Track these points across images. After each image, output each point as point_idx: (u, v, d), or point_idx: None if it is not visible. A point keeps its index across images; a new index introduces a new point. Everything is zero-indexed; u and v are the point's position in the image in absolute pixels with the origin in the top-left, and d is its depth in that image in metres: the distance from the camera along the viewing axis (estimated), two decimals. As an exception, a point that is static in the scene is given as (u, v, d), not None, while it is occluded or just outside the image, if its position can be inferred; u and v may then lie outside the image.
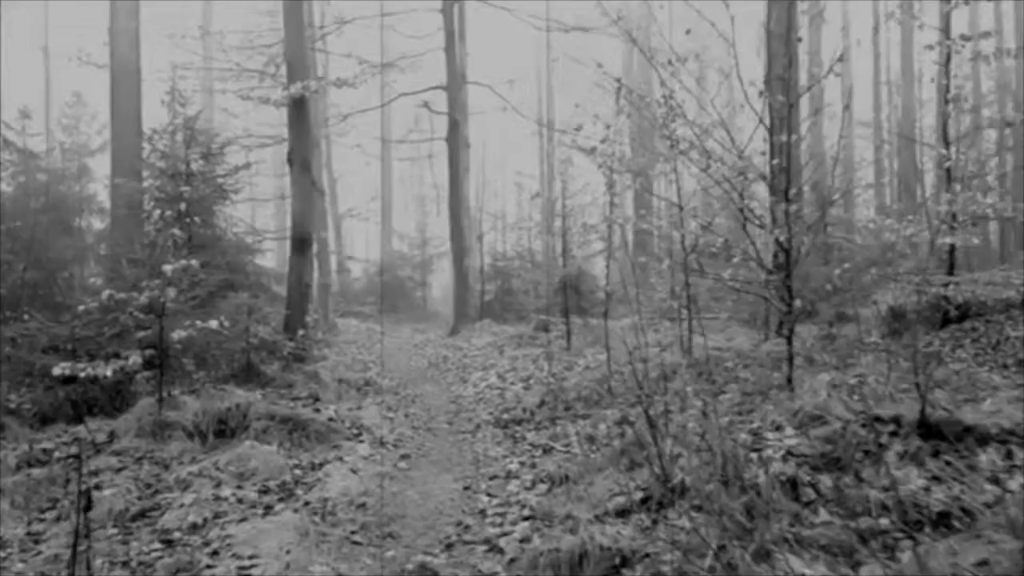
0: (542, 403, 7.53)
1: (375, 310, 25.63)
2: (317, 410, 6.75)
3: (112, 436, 6.32)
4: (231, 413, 6.41)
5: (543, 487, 5.06)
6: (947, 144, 9.66)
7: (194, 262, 6.25)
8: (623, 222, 9.48)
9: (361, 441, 6.61)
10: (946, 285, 9.63)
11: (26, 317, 8.38)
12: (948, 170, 9.53)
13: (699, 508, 4.04)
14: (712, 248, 9.76)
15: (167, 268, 6.12)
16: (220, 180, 11.32)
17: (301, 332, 10.39)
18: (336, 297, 24.98)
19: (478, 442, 6.79)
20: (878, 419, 4.42)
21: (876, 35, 22.74)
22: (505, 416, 7.71)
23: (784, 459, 4.14)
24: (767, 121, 9.10)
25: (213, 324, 6.32)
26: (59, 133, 24.29)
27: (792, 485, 3.91)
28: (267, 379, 9.44)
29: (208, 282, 9.07)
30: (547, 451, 6.06)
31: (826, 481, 3.94)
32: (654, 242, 26.82)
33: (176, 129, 11.42)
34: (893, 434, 4.30)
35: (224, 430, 6.34)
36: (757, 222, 10.75)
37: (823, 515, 3.65)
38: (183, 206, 9.44)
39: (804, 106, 13.33)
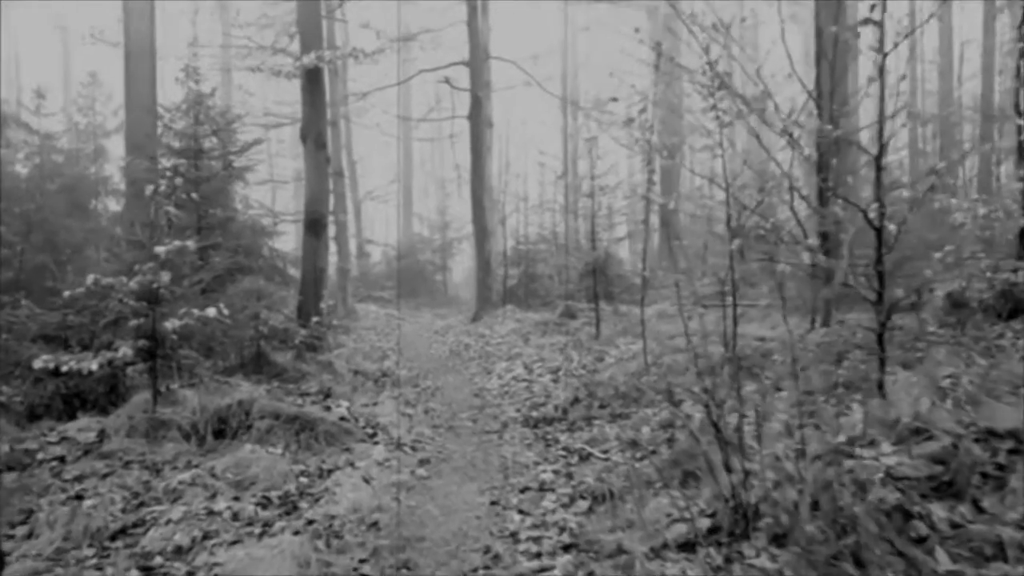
0: (575, 400, 6.82)
1: (395, 295, 25.05)
2: (328, 408, 6.11)
3: (102, 436, 5.71)
4: (232, 411, 5.78)
5: (583, 504, 4.37)
6: (1020, 114, 8.76)
7: (190, 243, 5.61)
8: (663, 201, 8.70)
9: (376, 443, 5.95)
10: (1015, 271, 8.77)
11: (24, 303, 7.83)
12: (1022, 144, 8.64)
13: (780, 541, 3.33)
14: (763, 228, 8.99)
15: (160, 250, 5.48)
16: (232, 157, 10.68)
17: (315, 319, 9.77)
18: (355, 282, 24.41)
19: (505, 444, 6.11)
20: (992, 433, 3.67)
21: None
22: (534, 414, 7.02)
23: (883, 482, 3.41)
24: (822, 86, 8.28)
25: (211, 312, 5.67)
26: (75, 114, 23.89)
27: (898, 516, 3.18)
28: (278, 370, 8.85)
29: (214, 265, 8.46)
30: (584, 458, 5.37)
31: (939, 512, 3.21)
32: (680, 224, 25.99)
33: (190, 107, 10.81)
34: (1013, 452, 3.55)
35: (224, 430, 5.72)
36: (801, 199, 9.91)
37: (943, 559, 2.92)
38: (179, 180, 8.79)
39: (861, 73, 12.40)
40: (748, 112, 8.70)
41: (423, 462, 5.59)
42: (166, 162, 10.92)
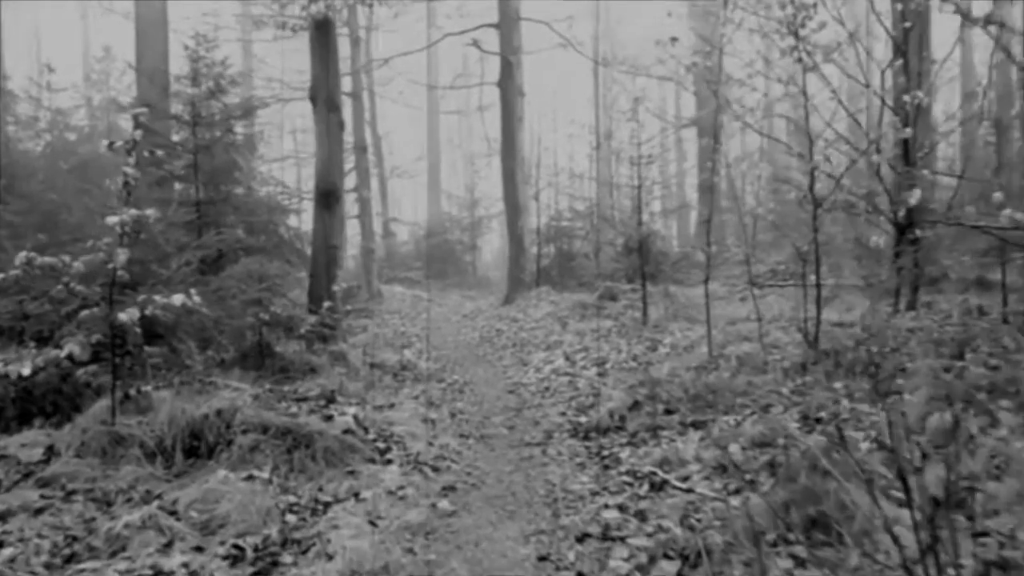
0: (635, 404, 5.54)
1: (422, 276, 23.93)
2: (329, 417, 4.91)
3: (50, 453, 4.59)
4: (209, 423, 4.61)
5: (669, 568, 3.11)
6: None
7: (150, 212, 4.41)
8: (730, 163, 7.32)
9: (389, 461, 4.75)
10: None
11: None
12: None
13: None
14: (853, 193, 7.59)
15: (111, 221, 4.30)
16: (232, 121, 9.51)
17: (327, 304, 8.59)
18: (381, 262, 23.32)
19: (551, 463, 4.87)
20: None
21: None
22: (583, 420, 5.77)
23: None
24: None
25: (177, 300, 4.49)
26: (89, 89, 22.96)
27: None
28: (283, 363, 7.71)
29: (205, 243, 7.32)
30: (657, 487, 4.10)
31: None
32: (720, 196, 24.38)
33: (199, 76, 9.69)
34: None
35: (198, 447, 4.55)
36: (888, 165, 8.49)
37: None
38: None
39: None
40: (827, 57, 7.30)
41: (447, 489, 4.37)
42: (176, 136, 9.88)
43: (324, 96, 9.03)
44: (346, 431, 4.76)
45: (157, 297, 4.47)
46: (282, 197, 12.69)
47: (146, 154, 7.02)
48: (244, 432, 4.59)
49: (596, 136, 26.18)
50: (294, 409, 4.97)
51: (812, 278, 7.37)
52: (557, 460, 4.88)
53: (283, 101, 21.26)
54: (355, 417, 5.12)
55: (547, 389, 7.42)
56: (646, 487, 4.12)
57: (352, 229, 24.55)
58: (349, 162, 23.44)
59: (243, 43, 24.80)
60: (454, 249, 25.95)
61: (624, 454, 4.76)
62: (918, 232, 8.64)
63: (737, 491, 3.80)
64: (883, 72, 8.11)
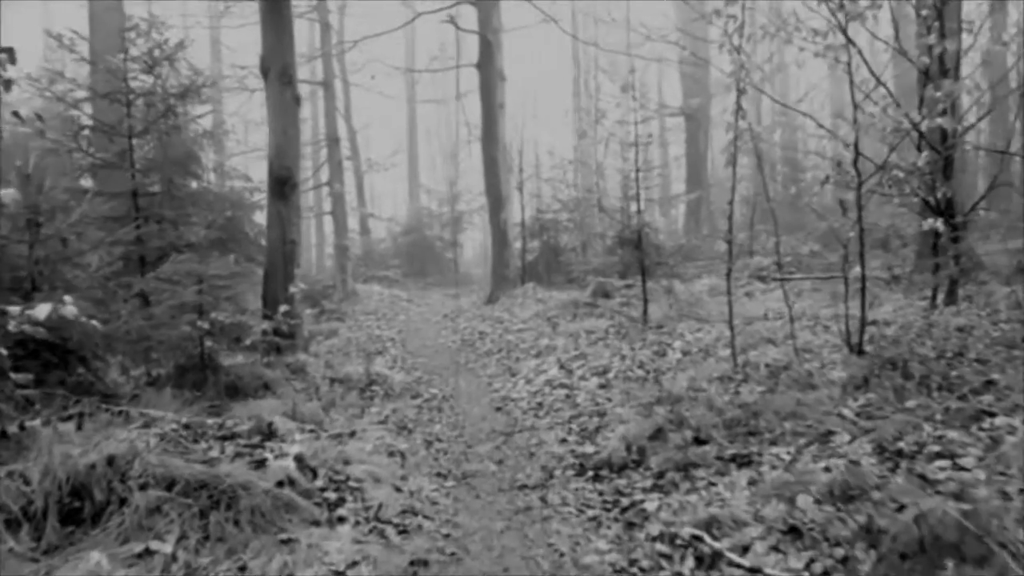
0: (657, 432, 4.40)
1: (401, 274, 22.72)
2: (261, 461, 3.72)
3: None
4: (96, 476, 3.43)
5: None
6: None
7: (7, 192, 3.20)
8: (758, 132, 6.16)
9: (340, 519, 3.59)
10: None
11: None
12: None
13: None
14: (899, 170, 6.48)
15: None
16: (172, 101, 8.28)
17: (284, 308, 7.40)
18: (357, 260, 22.09)
19: (554, 517, 3.72)
20: None
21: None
22: (590, 451, 4.63)
23: None
24: None
25: (42, 312, 3.30)
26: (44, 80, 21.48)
27: None
28: (230, 379, 6.53)
29: (124, 239, 6.10)
30: (707, 562, 2.97)
31: None
32: (707, 175, 23.32)
33: (155, 62, 8.49)
34: None
35: (80, 510, 3.37)
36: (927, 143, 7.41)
37: None
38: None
39: None
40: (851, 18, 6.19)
41: (417, 564, 3.21)
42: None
43: (278, 68, 7.81)
44: (280, 483, 3.57)
45: (13, 308, 3.26)
46: (246, 191, 11.59)
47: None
48: (143, 487, 3.41)
49: (578, 121, 25.13)
50: (216, 452, 3.79)
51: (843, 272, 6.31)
52: (562, 513, 3.73)
53: (250, 91, 19.94)
54: (298, 458, 3.94)
55: (540, 405, 6.28)
56: (690, 561, 2.98)
57: (327, 226, 23.30)
58: (321, 155, 22.22)
59: (211, 31, 23.51)
60: (434, 245, 24.77)
61: (651, 504, 3.62)
62: (959, 218, 7.61)
63: (825, 575, 2.68)
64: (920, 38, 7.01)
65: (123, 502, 3.38)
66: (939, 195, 7.41)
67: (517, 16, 17.08)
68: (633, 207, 11.69)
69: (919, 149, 7.02)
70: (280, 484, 3.56)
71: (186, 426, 4.02)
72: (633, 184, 11.55)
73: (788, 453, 3.93)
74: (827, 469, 3.60)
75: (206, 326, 6.22)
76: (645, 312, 9.48)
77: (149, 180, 8.69)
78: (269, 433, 4.24)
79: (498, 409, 6.40)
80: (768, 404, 4.57)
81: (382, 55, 21.31)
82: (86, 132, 8.21)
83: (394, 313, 15.13)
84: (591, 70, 25.79)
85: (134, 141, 8.22)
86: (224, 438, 4.01)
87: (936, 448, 3.68)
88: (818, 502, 3.18)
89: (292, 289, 7.74)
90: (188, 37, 10.00)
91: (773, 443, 4.09)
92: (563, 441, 5.00)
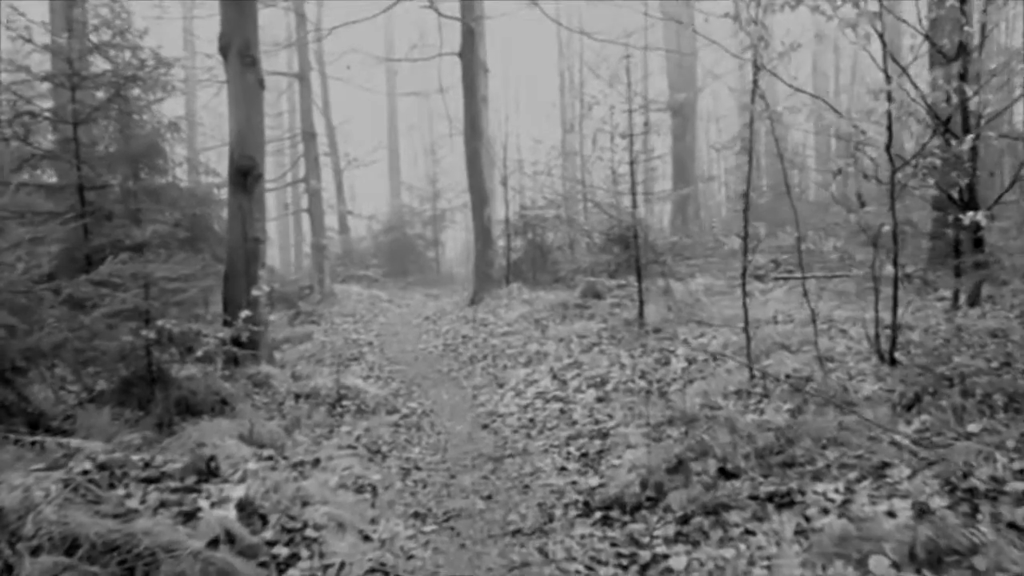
0: (678, 464, 3.70)
1: (381, 274, 21.92)
2: (192, 513, 2.97)
3: None
4: (-24, 537, 2.68)
5: None
6: None
7: None
8: (777, 114, 5.47)
9: (291, 586, 2.86)
10: None
11: None
12: None
13: None
14: (938, 155, 5.82)
15: None
16: (121, 81, 7.49)
17: (245, 313, 6.62)
18: (336, 260, 21.26)
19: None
20: None
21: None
22: (595, 484, 3.93)
23: None
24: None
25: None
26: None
27: None
28: (182, 394, 5.79)
29: (52, 236, 5.32)
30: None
31: None
32: (695, 170, 22.69)
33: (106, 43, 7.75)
34: None
35: (-52, 584, 2.62)
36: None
37: None
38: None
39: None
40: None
41: (385, 653, 2.49)
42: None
43: (239, 45, 7.03)
44: (215, 541, 2.84)
45: None
46: (215, 187, 10.91)
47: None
48: (36, 552, 2.67)
49: (564, 114, 24.51)
50: (136, 500, 3.05)
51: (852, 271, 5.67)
52: (567, 572, 3.03)
53: (220, 83, 19.07)
54: (243, 504, 3.21)
55: (532, 423, 5.57)
56: (741, 651, 2.29)
57: (305, 224, 22.44)
58: (298, 150, 21.37)
59: (184, 21, 22.56)
60: (415, 244, 24.00)
61: (677, 561, 2.93)
62: (981, 213, 7.00)
63: None
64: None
65: (9, 571, 2.64)
66: (962, 186, 6.80)
67: (501, 4, 16.27)
68: (625, 202, 11.06)
69: (950, 134, 6.39)
70: (214, 543, 2.83)
71: (102, 466, 3.27)
72: (624, 178, 10.89)
73: (837, 491, 3.26)
74: (891, 514, 2.95)
75: (152, 335, 5.46)
76: (641, 314, 8.81)
77: (97, 173, 7.94)
78: (208, 472, 3.49)
79: (485, 427, 5.68)
80: (803, 427, 3.89)
81: (360, 45, 20.43)
82: (25, 119, 7.37)
83: (373, 315, 14.37)
84: (576, 64, 25.14)
85: (80, 129, 7.45)
86: (149, 480, 3.26)
87: (1020, 486, 3.02)
88: (896, 566, 2.50)
89: (256, 292, 6.98)
90: (154, 26, 9.26)
91: (816, 477, 3.41)
92: (562, 470, 4.30)
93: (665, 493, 3.52)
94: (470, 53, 14.68)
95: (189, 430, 5.12)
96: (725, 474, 3.58)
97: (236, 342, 6.30)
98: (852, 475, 3.37)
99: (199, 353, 5.69)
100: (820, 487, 3.30)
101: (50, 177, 8.32)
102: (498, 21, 22.31)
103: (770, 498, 3.30)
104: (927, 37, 6.53)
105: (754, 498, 3.31)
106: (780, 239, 12.70)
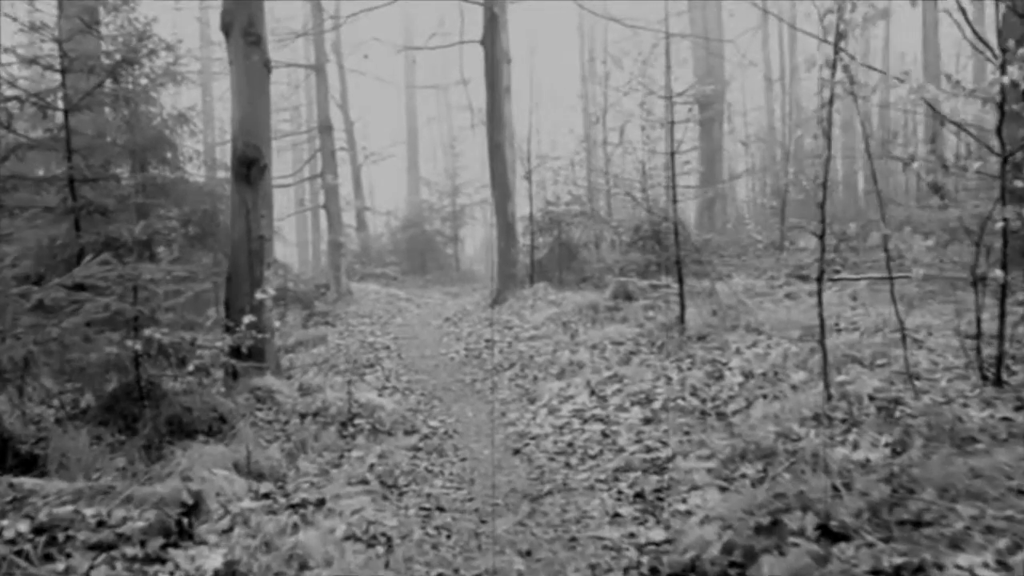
0: (773, 523, 2.94)
1: (399, 271, 21.28)
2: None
3: None
4: None
5: None
6: None
7: None
8: (853, 86, 4.68)
9: None
10: None
11: None
12: None
13: None
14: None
15: None
16: (110, 61, 6.84)
17: (248, 319, 5.94)
18: (353, 257, 20.65)
19: None
20: None
21: None
22: (658, 539, 3.20)
23: None
24: None
25: None
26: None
27: None
28: (174, 411, 5.14)
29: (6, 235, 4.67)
30: None
31: None
32: (724, 167, 21.81)
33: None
34: None
35: None
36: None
37: None
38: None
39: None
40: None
41: None
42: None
43: (242, 22, 6.35)
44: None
45: None
46: (226, 182, 10.32)
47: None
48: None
49: (589, 105, 23.76)
50: (85, 569, 2.36)
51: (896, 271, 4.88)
52: None
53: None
54: (221, 572, 2.51)
55: (571, 448, 4.85)
56: None
57: (322, 221, 21.83)
58: (315, 144, 20.76)
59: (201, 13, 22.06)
60: (434, 241, 23.31)
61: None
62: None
63: None
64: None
65: None
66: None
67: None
68: (659, 196, 10.30)
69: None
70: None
71: (39, 529, 2.58)
72: (655, 172, 10.15)
73: (987, 565, 2.50)
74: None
75: (137, 346, 4.80)
76: (682, 319, 8.03)
77: (98, 164, 7.32)
78: (181, 531, 2.79)
79: (516, 452, 4.96)
80: (919, 471, 3.13)
81: (378, 35, 19.78)
82: (8, 104, 6.73)
83: (390, 316, 13.70)
84: (599, 54, 24.33)
85: (81, 117, 6.84)
86: (101, 547, 2.56)
87: None
88: None
89: (260, 295, 6.30)
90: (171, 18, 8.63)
91: (954, 544, 2.65)
92: (615, 517, 3.56)
93: (757, 560, 2.77)
94: (493, 41, 13.94)
95: (179, 455, 4.46)
96: (830, 535, 2.83)
97: (237, 352, 5.62)
98: (1002, 543, 2.61)
99: (191, 367, 5.00)
100: (963, 559, 2.55)
101: (38, 169, 7.71)
102: (521, 10, 21.62)
103: (897, 573, 2.55)
104: None
105: (877, 573, 2.56)
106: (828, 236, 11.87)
